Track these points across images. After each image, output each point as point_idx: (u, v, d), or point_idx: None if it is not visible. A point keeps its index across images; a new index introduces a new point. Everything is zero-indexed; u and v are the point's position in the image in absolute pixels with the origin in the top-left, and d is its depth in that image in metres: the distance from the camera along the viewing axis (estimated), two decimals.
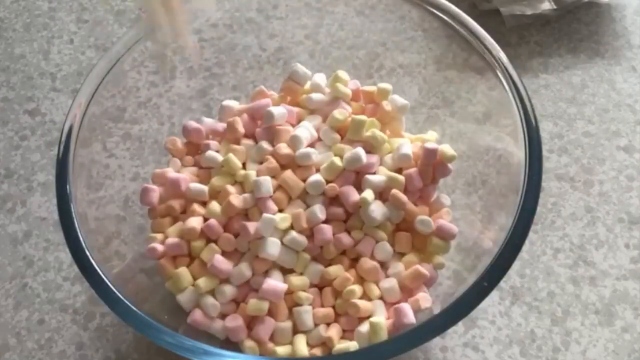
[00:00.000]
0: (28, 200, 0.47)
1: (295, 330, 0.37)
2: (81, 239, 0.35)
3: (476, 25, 0.41)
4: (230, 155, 0.39)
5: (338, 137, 0.40)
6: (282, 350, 0.36)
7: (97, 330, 0.42)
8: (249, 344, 0.37)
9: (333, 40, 0.46)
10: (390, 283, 0.37)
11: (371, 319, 0.36)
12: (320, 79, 0.43)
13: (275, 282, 0.36)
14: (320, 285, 0.38)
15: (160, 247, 0.38)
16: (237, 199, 0.38)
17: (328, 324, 0.37)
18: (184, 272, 0.37)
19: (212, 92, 0.48)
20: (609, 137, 0.49)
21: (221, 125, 0.42)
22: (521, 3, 0.53)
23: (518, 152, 0.37)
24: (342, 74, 0.42)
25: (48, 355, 0.42)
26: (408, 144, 0.40)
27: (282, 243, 0.37)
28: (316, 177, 0.38)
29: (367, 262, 0.37)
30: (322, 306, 0.38)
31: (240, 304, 0.38)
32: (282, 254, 0.37)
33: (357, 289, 0.37)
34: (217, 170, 0.40)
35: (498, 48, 0.40)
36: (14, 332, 0.43)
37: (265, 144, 0.40)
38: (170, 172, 0.40)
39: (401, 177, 0.38)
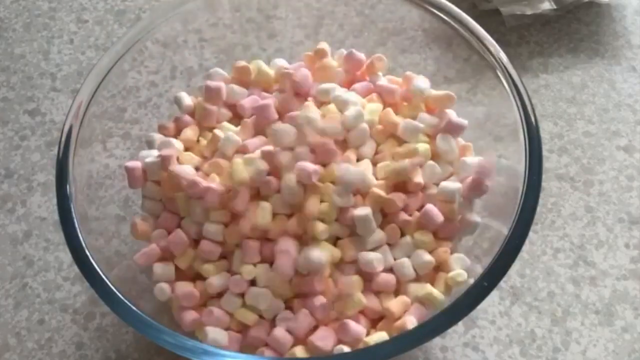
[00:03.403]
0: (28, 200, 0.47)
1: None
2: (81, 239, 0.35)
3: (476, 25, 0.41)
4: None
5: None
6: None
7: (97, 330, 0.43)
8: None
9: (333, 40, 0.46)
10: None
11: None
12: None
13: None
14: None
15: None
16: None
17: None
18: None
19: None
20: (609, 137, 0.49)
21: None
22: (521, 3, 0.53)
23: (518, 152, 0.37)
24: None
25: (48, 355, 0.42)
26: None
27: None
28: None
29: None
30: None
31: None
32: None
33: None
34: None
35: (498, 48, 0.40)
36: (14, 332, 0.43)
37: None
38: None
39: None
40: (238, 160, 0.38)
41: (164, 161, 0.39)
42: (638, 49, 0.53)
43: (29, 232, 0.46)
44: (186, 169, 0.39)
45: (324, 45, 0.44)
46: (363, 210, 0.37)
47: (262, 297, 0.36)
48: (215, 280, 0.37)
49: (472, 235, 0.39)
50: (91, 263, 0.35)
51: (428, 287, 0.37)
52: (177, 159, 0.41)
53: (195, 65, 0.47)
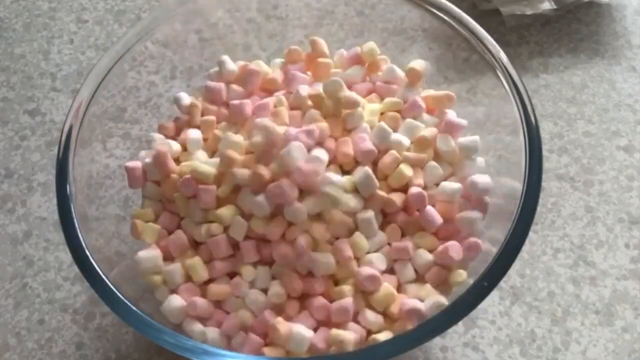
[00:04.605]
0: (28, 200, 0.47)
1: None
2: (81, 239, 0.35)
3: (476, 25, 0.41)
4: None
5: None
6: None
7: (97, 330, 0.43)
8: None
9: (333, 40, 0.46)
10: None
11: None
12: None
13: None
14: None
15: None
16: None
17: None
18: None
19: None
20: (609, 137, 0.49)
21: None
22: (521, 3, 0.53)
23: (518, 153, 0.37)
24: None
25: (48, 355, 0.42)
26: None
27: None
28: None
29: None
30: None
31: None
32: None
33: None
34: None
35: (498, 48, 0.40)
36: (14, 332, 0.43)
37: None
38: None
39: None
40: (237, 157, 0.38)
41: (158, 157, 0.39)
42: (638, 49, 0.53)
43: (29, 232, 0.46)
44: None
45: (316, 38, 0.44)
46: (367, 213, 0.37)
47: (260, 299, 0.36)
48: (217, 287, 0.37)
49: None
50: (91, 263, 0.35)
51: (428, 287, 0.37)
52: (177, 159, 0.41)
53: (195, 65, 0.47)
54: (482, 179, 0.38)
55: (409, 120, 0.40)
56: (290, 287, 0.36)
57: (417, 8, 0.43)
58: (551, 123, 0.50)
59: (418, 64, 0.42)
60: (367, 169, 0.37)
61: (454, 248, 0.37)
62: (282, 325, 0.35)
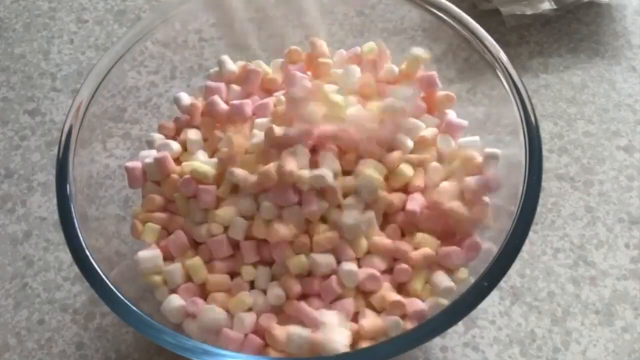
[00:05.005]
0: (28, 200, 0.47)
1: None
2: (81, 239, 0.35)
3: (476, 25, 0.41)
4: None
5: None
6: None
7: (97, 330, 0.43)
8: None
9: (333, 40, 0.46)
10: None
11: None
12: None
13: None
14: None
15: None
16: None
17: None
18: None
19: None
20: (609, 137, 0.49)
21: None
22: (521, 3, 0.53)
23: (518, 152, 0.37)
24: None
25: (48, 355, 0.42)
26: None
27: None
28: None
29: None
30: None
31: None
32: None
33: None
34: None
35: (498, 48, 0.40)
36: (14, 332, 0.43)
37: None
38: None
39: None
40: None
41: (159, 164, 0.39)
42: (638, 49, 0.53)
43: (29, 232, 0.46)
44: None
45: (315, 39, 0.44)
46: (367, 213, 0.37)
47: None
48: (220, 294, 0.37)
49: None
50: (91, 263, 0.35)
51: (428, 287, 0.37)
52: (178, 159, 0.41)
53: (195, 65, 0.47)
54: (476, 180, 0.38)
55: (409, 120, 0.40)
56: (289, 289, 0.36)
57: (417, 8, 0.43)
58: (551, 123, 0.50)
59: (420, 51, 0.42)
60: (370, 174, 0.37)
61: (456, 253, 0.37)
62: (279, 330, 0.35)
